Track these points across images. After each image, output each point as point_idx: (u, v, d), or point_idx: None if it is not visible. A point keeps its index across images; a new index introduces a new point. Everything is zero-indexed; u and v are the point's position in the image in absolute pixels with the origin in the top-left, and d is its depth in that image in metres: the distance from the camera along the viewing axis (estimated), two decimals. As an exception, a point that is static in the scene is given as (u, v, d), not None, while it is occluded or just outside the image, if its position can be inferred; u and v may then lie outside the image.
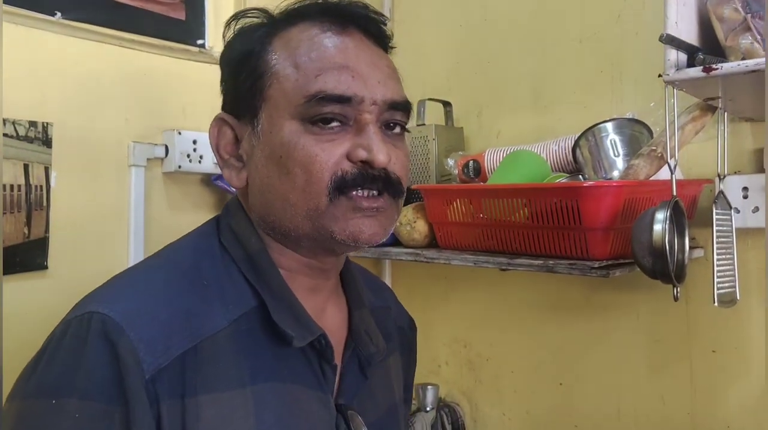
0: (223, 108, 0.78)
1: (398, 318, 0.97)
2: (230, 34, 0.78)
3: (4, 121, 1.20)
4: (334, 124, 0.70)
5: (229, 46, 0.77)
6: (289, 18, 0.75)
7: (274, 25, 0.75)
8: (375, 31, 0.76)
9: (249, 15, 0.77)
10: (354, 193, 0.70)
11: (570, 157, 1.25)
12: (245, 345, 0.69)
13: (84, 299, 0.68)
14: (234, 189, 0.79)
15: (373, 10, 0.77)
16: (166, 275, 0.72)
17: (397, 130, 0.75)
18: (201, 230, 0.79)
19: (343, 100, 0.69)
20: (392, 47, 0.80)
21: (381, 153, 0.69)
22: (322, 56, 0.71)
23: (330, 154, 0.69)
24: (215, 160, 0.80)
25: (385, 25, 0.78)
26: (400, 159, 0.74)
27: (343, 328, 0.82)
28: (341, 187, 0.69)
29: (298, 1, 0.76)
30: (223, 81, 0.78)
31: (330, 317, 0.80)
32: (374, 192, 0.71)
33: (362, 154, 0.69)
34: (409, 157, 0.78)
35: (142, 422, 0.61)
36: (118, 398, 0.61)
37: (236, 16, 0.77)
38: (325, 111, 0.69)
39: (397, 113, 0.74)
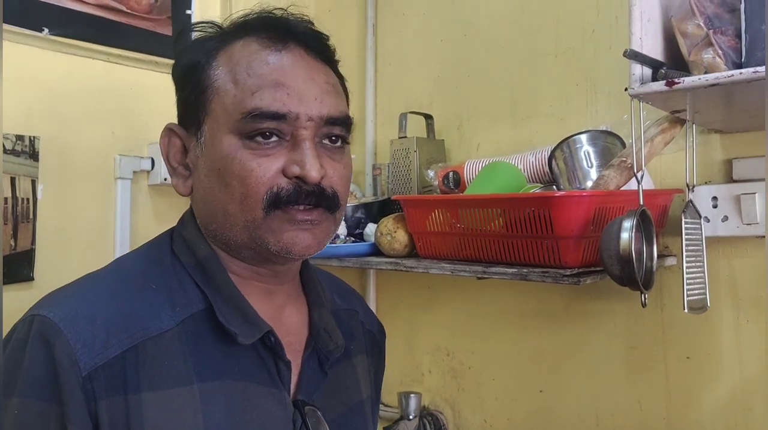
0: (178, 118, 0.81)
1: (367, 322, 0.99)
2: (180, 47, 0.81)
3: (-8, 135, 1.22)
4: (272, 139, 0.72)
5: (178, 60, 0.80)
6: (235, 32, 0.77)
7: (220, 38, 0.78)
8: (316, 47, 0.78)
9: (198, 29, 0.80)
10: (289, 207, 0.72)
11: (546, 169, 1.28)
12: (193, 345, 0.72)
13: (33, 304, 0.72)
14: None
15: (312, 24, 0.79)
16: (111, 280, 0.75)
17: (338, 143, 0.78)
18: (154, 240, 0.82)
19: (277, 116, 0.72)
20: (337, 61, 0.82)
21: (313, 169, 0.72)
22: (259, 73, 0.73)
23: (266, 169, 0.72)
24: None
25: (327, 40, 0.80)
26: (338, 172, 0.76)
27: (303, 327, 0.84)
28: (276, 202, 0.72)
29: (244, 15, 0.78)
30: (176, 93, 0.81)
31: (288, 317, 0.83)
32: (309, 206, 0.73)
33: (296, 169, 0.72)
34: (351, 170, 0.81)
35: (77, 419, 0.64)
36: (54, 396, 0.64)
37: (186, 30, 0.81)
38: (261, 127, 0.72)
39: (335, 128, 0.76)
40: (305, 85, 0.74)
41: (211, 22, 0.80)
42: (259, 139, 0.72)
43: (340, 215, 0.79)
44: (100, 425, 0.65)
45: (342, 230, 1.44)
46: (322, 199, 0.74)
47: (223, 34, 0.78)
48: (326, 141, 0.76)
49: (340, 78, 0.82)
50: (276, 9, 0.79)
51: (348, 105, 0.82)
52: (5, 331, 0.70)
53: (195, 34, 0.80)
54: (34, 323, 0.67)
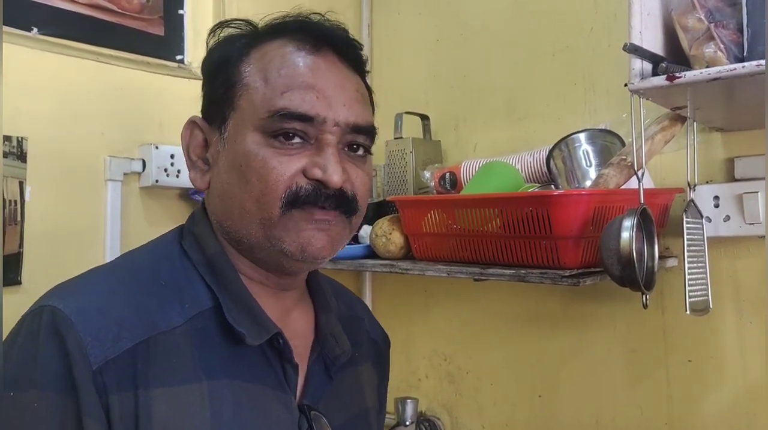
0: (201, 112, 0.80)
1: (372, 331, 0.97)
2: (213, 41, 0.80)
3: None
4: (296, 140, 0.72)
5: (209, 53, 0.80)
6: (270, 32, 0.77)
7: (254, 36, 0.77)
8: (349, 55, 0.78)
9: (233, 25, 0.79)
10: (308, 206, 0.72)
11: (544, 168, 1.25)
12: (201, 342, 0.71)
13: (41, 296, 0.70)
14: (199, 196, 0.80)
15: (348, 33, 0.79)
16: (121, 274, 0.74)
17: (360, 152, 0.77)
18: (164, 237, 0.81)
19: (305, 118, 0.71)
20: (367, 71, 0.82)
21: (336, 174, 0.71)
22: (291, 73, 0.73)
23: (286, 167, 0.71)
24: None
25: (361, 50, 0.80)
26: (360, 179, 0.76)
27: (309, 332, 0.83)
28: (294, 201, 0.71)
29: (281, 17, 0.78)
30: (203, 86, 0.80)
31: (295, 320, 0.82)
32: (329, 208, 0.73)
33: (317, 173, 0.71)
34: (372, 179, 0.80)
35: (92, 412, 0.63)
36: (69, 389, 0.63)
37: (221, 25, 0.79)
38: (286, 127, 0.71)
39: (359, 136, 0.76)
40: (335, 90, 0.74)
41: (247, 21, 0.79)
42: (283, 138, 0.71)
43: (357, 221, 0.78)
44: (111, 420, 0.64)
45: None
46: (341, 203, 0.74)
47: (258, 33, 0.78)
48: (348, 149, 0.76)
49: (369, 90, 0.82)
50: (313, 14, 0.79)
51: (373, 116, 0.82)
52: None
53: (229, 31, 0.79)
54: (44, 314, 0.66)
